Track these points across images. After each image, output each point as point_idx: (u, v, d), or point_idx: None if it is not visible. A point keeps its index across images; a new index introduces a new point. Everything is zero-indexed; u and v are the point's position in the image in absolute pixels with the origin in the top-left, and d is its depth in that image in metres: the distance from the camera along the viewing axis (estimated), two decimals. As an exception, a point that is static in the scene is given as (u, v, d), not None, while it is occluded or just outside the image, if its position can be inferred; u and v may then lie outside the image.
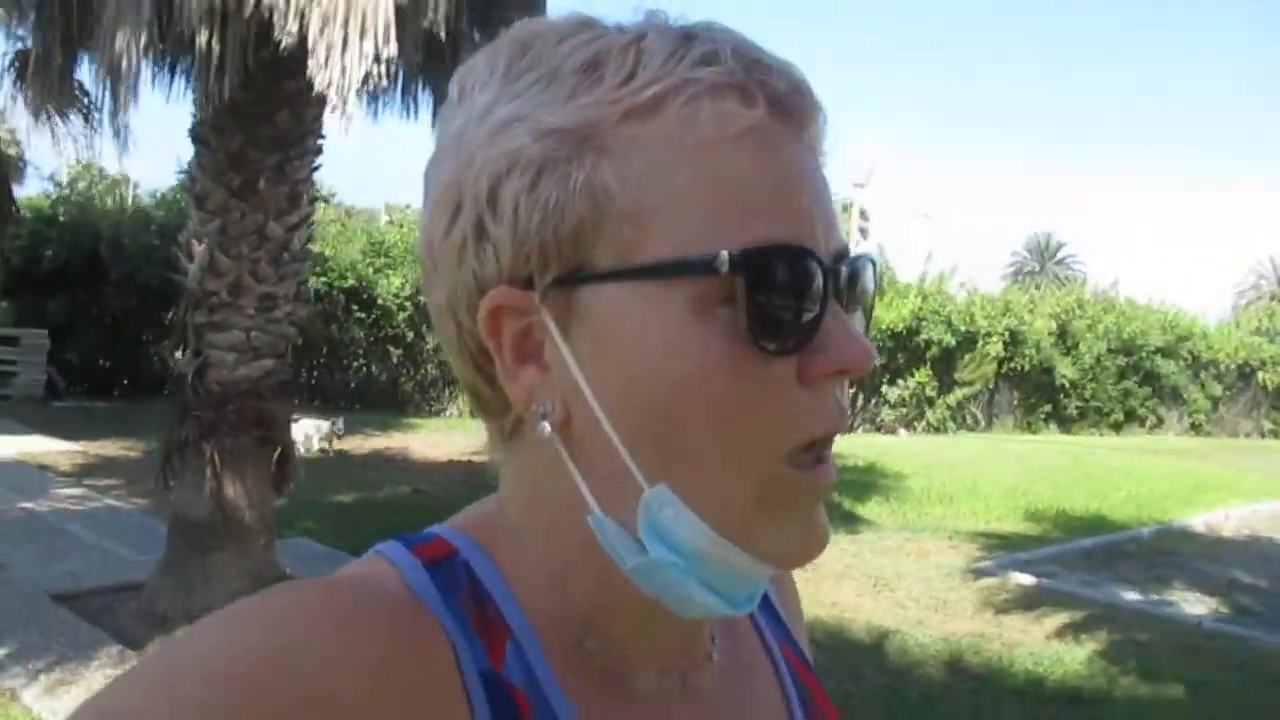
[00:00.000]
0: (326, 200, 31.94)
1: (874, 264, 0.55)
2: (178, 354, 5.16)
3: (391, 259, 15.93)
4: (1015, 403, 21.81)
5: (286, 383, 5.38)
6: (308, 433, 10.53)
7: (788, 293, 0.48)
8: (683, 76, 0.48)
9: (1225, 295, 53.74)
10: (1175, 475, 13.94)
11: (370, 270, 15.58)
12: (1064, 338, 22.13)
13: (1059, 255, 57.69)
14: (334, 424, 10.82)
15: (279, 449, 5.19)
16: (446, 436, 12.79)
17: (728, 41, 0.50)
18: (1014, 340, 20.86)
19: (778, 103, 0.49)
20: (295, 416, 10.91)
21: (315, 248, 15.03)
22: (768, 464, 0.49)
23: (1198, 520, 10.90)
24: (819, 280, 0.48)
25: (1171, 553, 9.20)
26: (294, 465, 5.26)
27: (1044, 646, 5.83)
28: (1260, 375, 25.50)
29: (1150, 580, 7.97)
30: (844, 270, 0.51)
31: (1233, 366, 24.97)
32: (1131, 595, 7.43)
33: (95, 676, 4.20)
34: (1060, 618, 6.42)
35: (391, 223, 22.08)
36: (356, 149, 30.75)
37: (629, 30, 0.51)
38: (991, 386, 21.07)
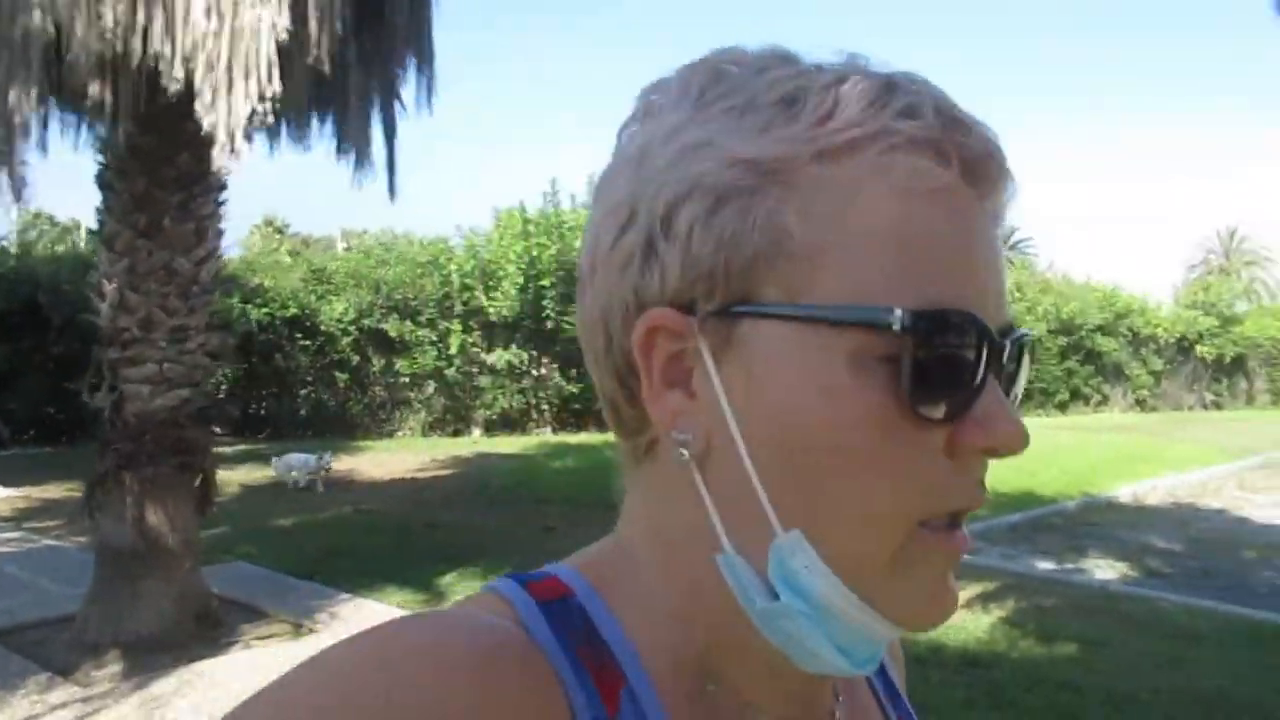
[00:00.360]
0: (280, 231, 31.85)
1: (1034, 343, 0.54)
2: (97, 391, 5.32)
3: (334, 285, 16.00)
4: (960, 389, 22.32)
5: (206, 409, 5.58)
6: (293, 467, 10.37)
7: (953, 361, 0.46)
8: (882, 125, 0.47)
9: (1180, 274, 55.01)
10: (1110, 449, 14.33)
11: (313, 298, 15.68)
12: (1004, 322, 22.69)
13: (1013, 241, 58.72)
14: (321, 458, 10.42)
15: (201, 474, 5.38)
16: (394, 456, 12.90)
17: (929, 95, 0.49)
18: (955, 328, 21.35)
19: (971, 166, 0.49)
20: (281, 450, 10.81)
21: (257, 279, 15.19)
22: (902, 528, 0.48)
23: (1124, 491, 11.25)
24: (985, 353, 0.47)
25: (1094, 523, 9.53)
26: (214, 489, 5.46)
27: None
28: (1199, 348, 26.26)
29: (1067, 550, 8.29)
30: (1008, 346, 0.50)
31: (1171, 341, 25.68)
32: (1046, 565, 7.76)
33: (21, 704, 4.37)
34: (972, 590, 6.71)
35: (349, 248, 22.15)
36: (313, 178, 30.78)
37: (829, 70, 0.50)
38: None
